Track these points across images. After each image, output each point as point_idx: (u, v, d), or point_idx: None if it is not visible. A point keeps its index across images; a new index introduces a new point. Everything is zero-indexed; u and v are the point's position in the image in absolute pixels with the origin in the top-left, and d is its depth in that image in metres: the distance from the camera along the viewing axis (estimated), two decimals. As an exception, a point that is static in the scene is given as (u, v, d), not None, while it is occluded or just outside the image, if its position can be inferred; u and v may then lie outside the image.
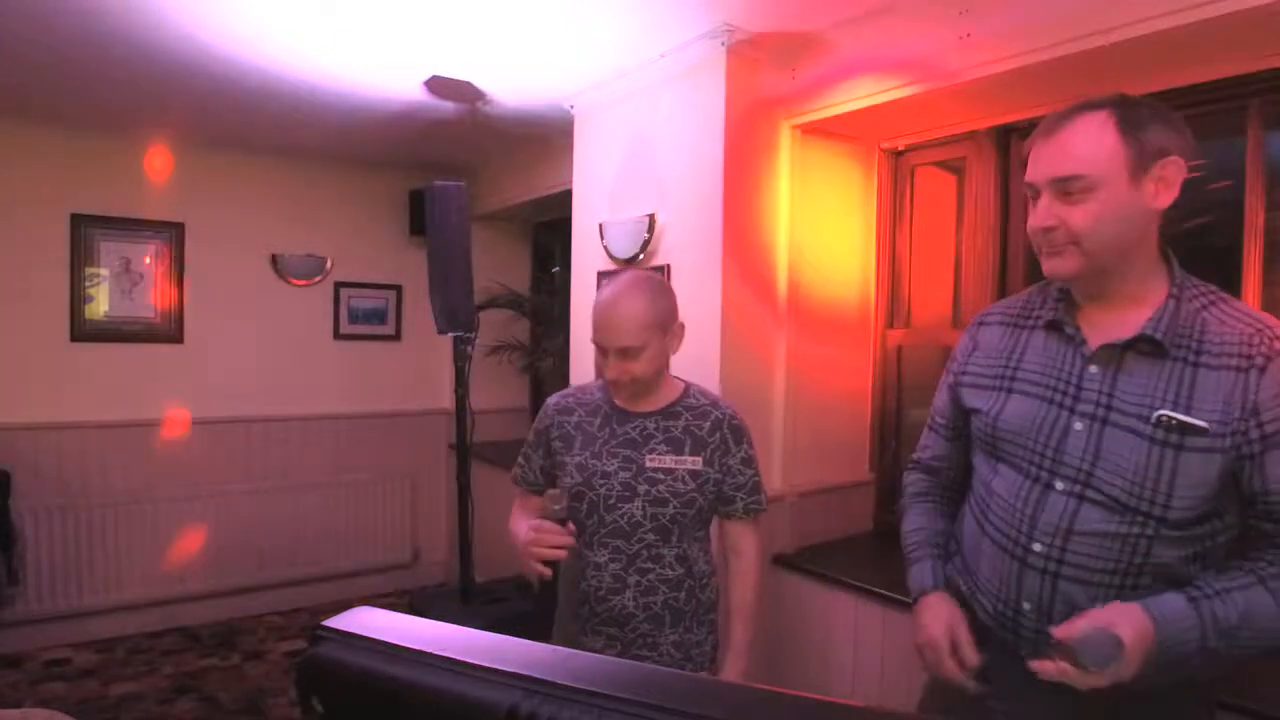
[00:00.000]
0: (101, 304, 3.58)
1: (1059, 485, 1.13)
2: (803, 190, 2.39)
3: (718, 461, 1.59)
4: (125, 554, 3.60)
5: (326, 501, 4.09)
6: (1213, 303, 1.12)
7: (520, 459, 1.77)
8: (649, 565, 1.57)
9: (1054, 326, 1.21)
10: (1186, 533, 1.07)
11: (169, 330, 3.72)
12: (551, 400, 1.73)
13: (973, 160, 2.32)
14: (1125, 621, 1.00)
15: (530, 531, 1.48)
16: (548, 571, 1.47)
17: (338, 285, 4.15)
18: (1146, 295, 1.13)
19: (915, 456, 1.47)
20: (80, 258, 3.51)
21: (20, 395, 3.40)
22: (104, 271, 3.58)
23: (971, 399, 1.29)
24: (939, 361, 2.57)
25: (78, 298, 3.52)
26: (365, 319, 4.24)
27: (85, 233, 3.52)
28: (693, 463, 1.57)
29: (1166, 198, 1.08)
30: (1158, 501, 1.06)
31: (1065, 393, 1.15)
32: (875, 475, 2.62)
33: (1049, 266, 1.14)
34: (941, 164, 2.51)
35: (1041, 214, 1.11)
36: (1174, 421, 1.05)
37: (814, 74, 2.27)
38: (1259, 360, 1.04)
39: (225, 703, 3.04)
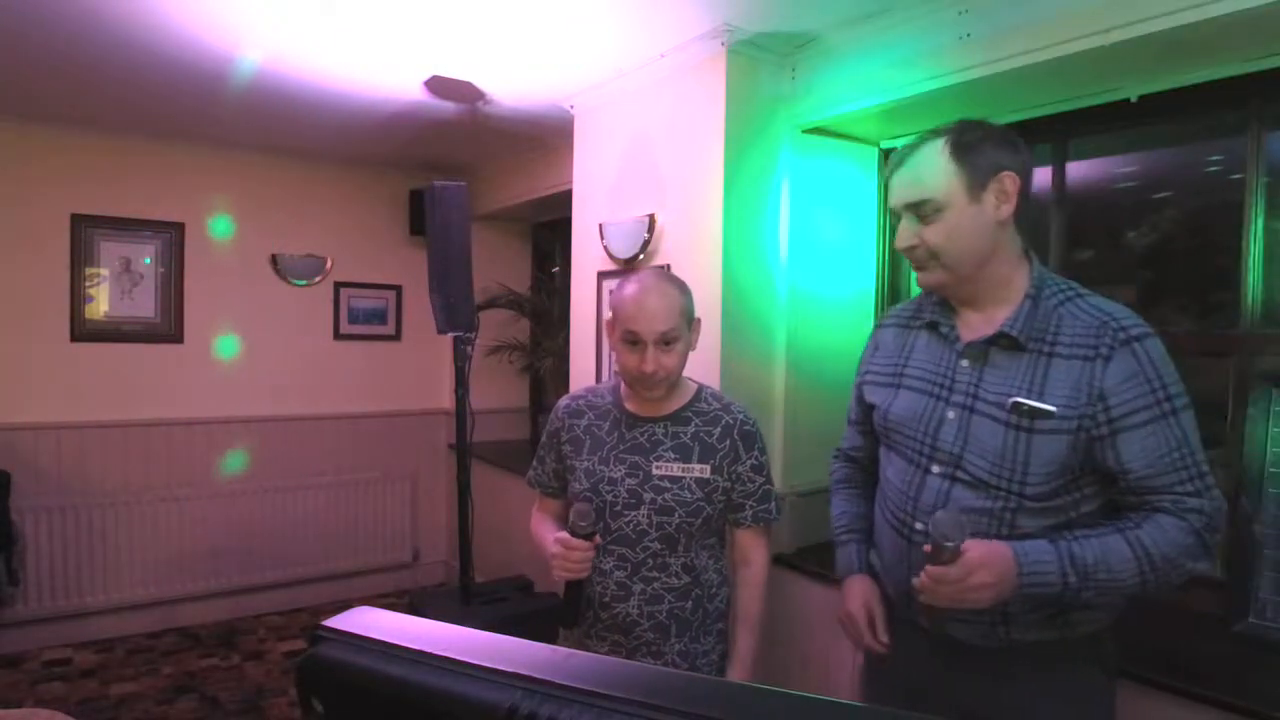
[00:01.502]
0: (101, 304, 3.58)
1: (935, 469, 1.27)
2: (803, 190, 2.39)
3: (727, 469, 1.56)
4: (125, 554, 3.61)
5: (326, 501, 4.09)
6: (1070, 298, 1.23)
7: (535, 461, 1.76)
8: (654, 574, 1.55)
9: (933, 327, 1.35)
10: (1046, 505, 1.19)
11: (169, 330, 3.72)
12: (562, 402, 1.71)
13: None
14: (985, 545, 1.13)
15: (556, 545, 1.46)
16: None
17: (338, 285, 4.15)
18: (1009, 295, 1.26)
19: (838, 447, 1.63)
20: (80, 258, 3.51)
21: (20, 395, 3.40)
22: (104, 271, 3.58)
23: (871, 395, 1.44)
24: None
25: (78, 298, 3.52)
26: (365, 319, 4.24)
27: (85, 233, 3.52)
28: (700, 471, 1.54)
29: (1007, 209, 1.22)
30: (1015, 479, 1.19)
31: (942, 386, 1.30)
32: (875, 475, 2.62)
33: (921, 280, 1.30)
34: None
35: (903, 235, 1.27)
36: (1025, 407, 1.18)
37: (814, 74, 2.27)
38: (1104, 350, 1.15)
39: (225, 703, 3.04)
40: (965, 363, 1.28)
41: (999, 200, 1.21)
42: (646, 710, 0.46)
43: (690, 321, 1.57)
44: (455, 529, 3.26)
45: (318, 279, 4.10)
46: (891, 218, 1.31)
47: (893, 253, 2.59)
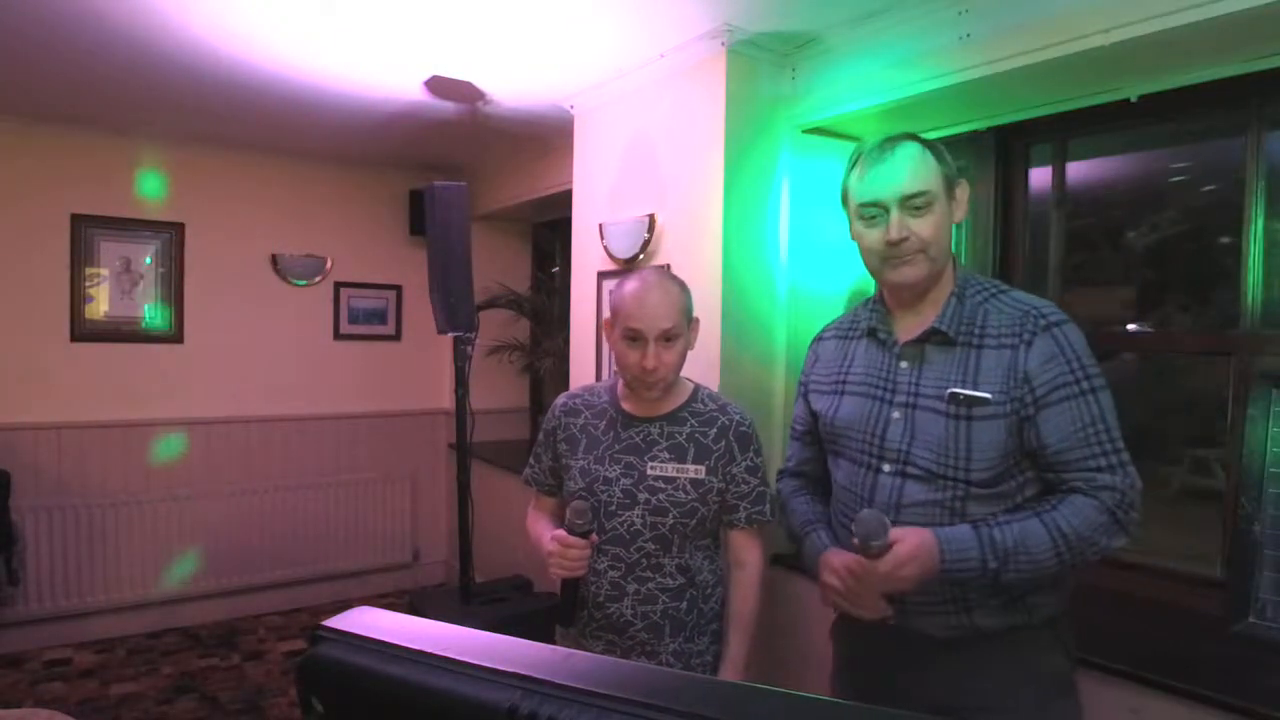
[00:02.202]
0: (101, 304, 3.58)
1: (886, 468, 1.32)
2: (803, 190, 2.39)
3: (721, 470, 1.56)
4: (125, 554, 3.61)
5: (326, 501, 4.09)
6: (993, 295, 1.32)
7: (531, 458, 1.76)
8: (648, 574, 1.55)
9: (872, 333, 1.41)
10: (993, 490, 1.25)
11: (169, 330, 3.72)
12: (559, 400, 1.71)
13: (973, 160, 2.32)
14: (909, 532, 1.19)
15: (553, 543, 1.47)
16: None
17: (338, 285, 4.15)
18: (939, 297, 1.34)
19: (783, 467, 1.62)
20: (80, 258, 3.51)
21: (20, 395, 3.40)
22: (104, 271, 3.58)
23: (815, 403, 1.48)
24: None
25: (78, 298, 3.52)
26: (365, 319, 4.25)
27: (85, 233, 3.52)
28: (695, 471, 1.54)
29: (962, 213, 1.33)
30: (960, 467, 1.24)
31: (884, 388, 1.35)
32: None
33: (901, 275, 1.31)
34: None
35: (895, 228, 1.28)
36: (961, 396, 1.24)
37: (814, 74, 2.27)
38: (1027, 336, 1.24)
39: (225, 703, 3.04)
40: (904, 364, 1.34)
41: (958, 206, 1.32)
42: (646, 710, 0.46)
43: (690, 320, 1.57)
44: (455, 529, 3.26)
45: (318, 279, 4.10)
46: (861, 213, 1.34)
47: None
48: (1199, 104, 1.84)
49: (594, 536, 1.48)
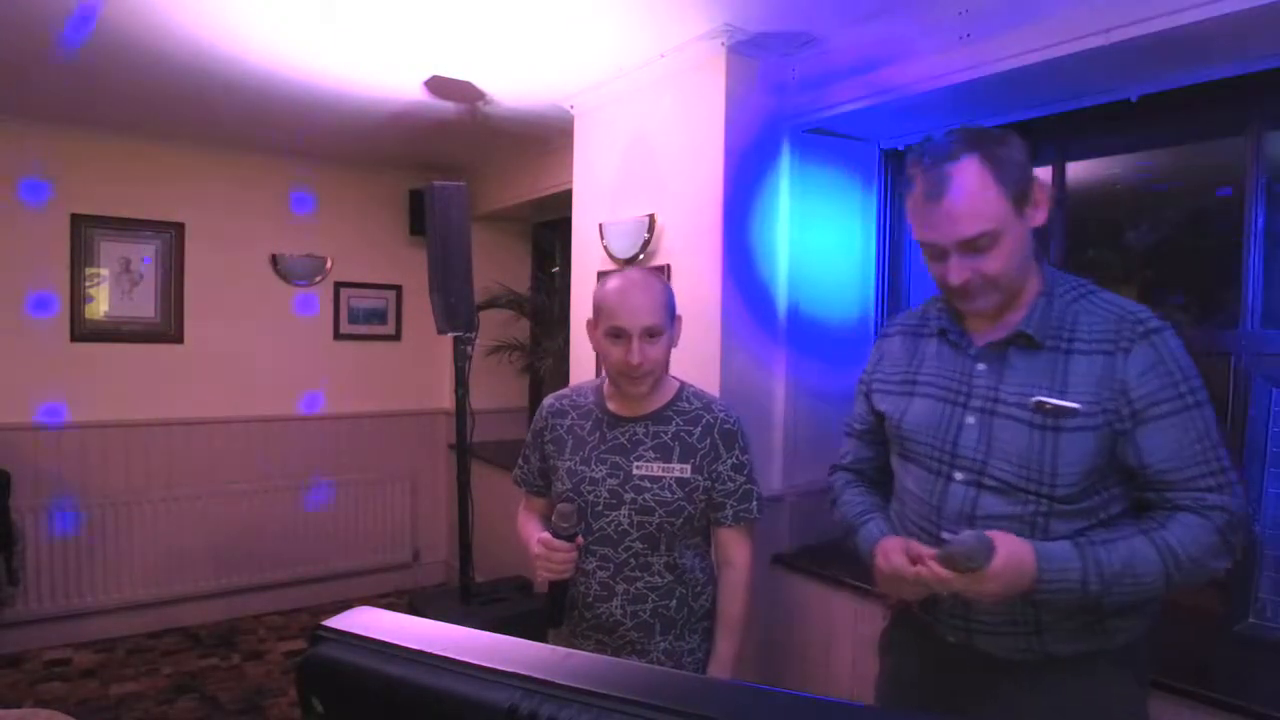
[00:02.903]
0: (101, 304, 3.58)
1: (959, 476, 1.23)
2: (803, 190, 2.39)
3: (707, 468, 1.56)
4: (125, 554, 3.61)
5: (326, 501, 4.09)
6: (1084, 295, 1.22)
7: (520, 460, 1.76)
8: (636, 574, 1.56)
9: (944, 333, 1.32)
10: (1077, 506, 1.16)
11: (169, 330, 3.72)
12: (547, 401, 1.72)
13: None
14: (1005, 540, 1.10)
15: (539, 546, 1.47)
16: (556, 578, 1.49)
17: (338, 285, 4.15)
18: (1022, 294, 1.22)
19: (837, 462, 1.55)
20: (80, 258, 3.51)
21: (20, 395, 3.40)
22: (104, 271, 3.58)
23: (881, 404, 1.40)
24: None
25: (78, 298, 3.52)
26: (365, 319, 4.25)
27: (85, 233, 3.52)
28: (681, 470, 1.54)
29: (1042, 214, 1.20)
30: (1045, 481, 1.15)
31: (959, 391, 1.26)
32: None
33: (971, 308, 1.23)
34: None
35: (957, 271, 1.18)
36: (1049, 405, 1.15)
37: (814, 74, 2.27)
38: (1124, 344, 1.14)
39: (225, 703, 3.04)
40: (981, 366, 1.24)
41: (1036, 209, 1.19)
42: (646, 710, 0.46)
43: (673, 317, 1.57)
44: (455, 529, 3.26)
45: (318, 279, 4.10)
46: (928, 250, 1.22)
47: (893, 252, 2.59)
48: (1199, 104, 1.84)
49: (579, 539, 1.48)
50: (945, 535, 1.20)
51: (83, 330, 3.53)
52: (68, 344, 3.50)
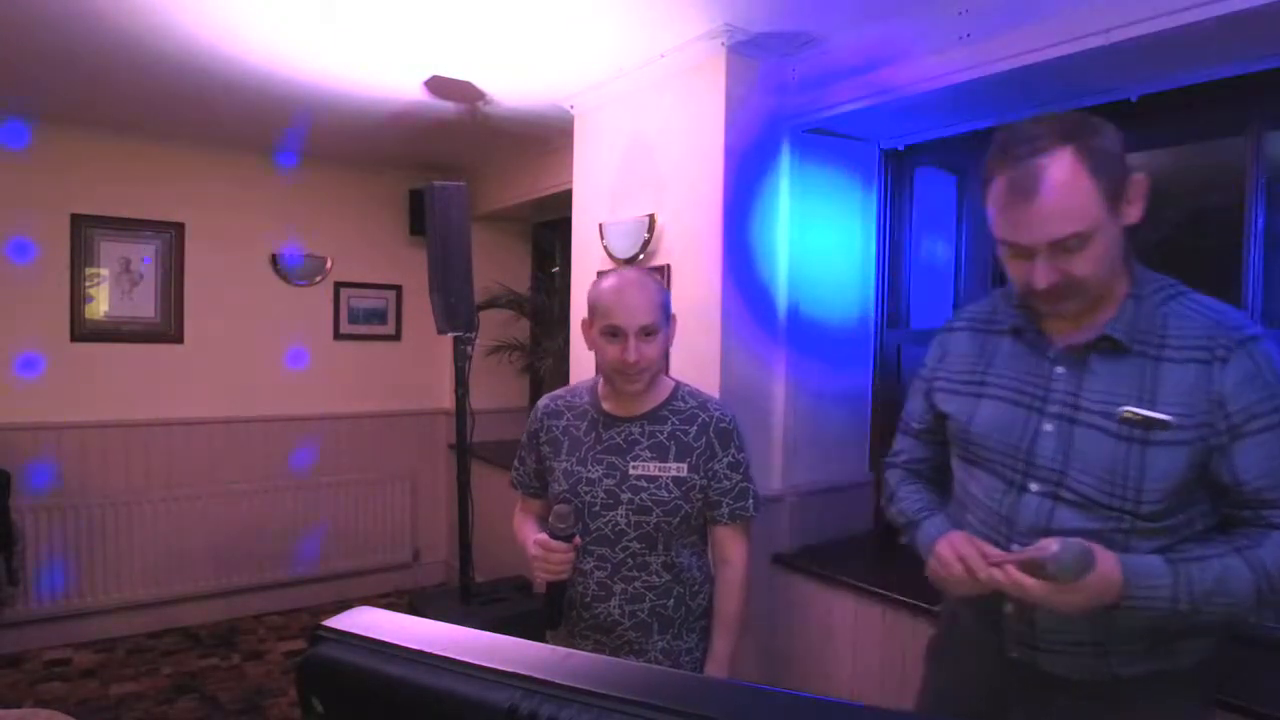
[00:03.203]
0: (101, 304, 3.58)
1: (1034, 487, 1.15)
2: (803, 190, 2.39)
3: (703, 467, 1.56)
4: (125, 554, 3.60)
5: (326, 501, 4.09)
6: (1173, 297, 1.12)
7: (516, 461, 1.76)
8: (634, 573, 1.56)
9: (1018, 331, 1.22)
10: (1161, 524, 1.08)
11: (169, 330, 3.72)
12: (541, 402, 1.72)
13: (973, 160, 2.32)
14: (1096, 551, 1.03)
15: (536, 548, 1.47)
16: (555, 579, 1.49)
17: (338, 285, 4.15)
18: (1107, 295, 1.13)
19: (890, 460, 1.47)
20: (80, 258, 3.51)
21: (20, 395, 3.40)
22: (104, 271, 3.58)
23: (946, 404, 1.30)
24: (939, 361, 2.58)
25: (78, 298, 3.52)
26: (365, 319, 4.25)
27: (85, 233, 3.52)
28: (677, 470, 1.54)
29: (1138, 211, 1.10)
30: (1129, 497, 1.07)
31: (1034, 396, 1.17)
32: (875, 475, 2.62)
33: (1057, 310, 1.14)
34: (941, 164, 2.51)
35: (1044, 274, 1.08)
36: (1138, 417, 1.06)
37: (814, 74, 2.27)
38: (1221, 352, 1.05)
39: (225, 703, 3.04)
40: (1060, 369, 1.15)
41: (1132, 207, 1.09)
42: (646, 710, 0.46)
43: (668, 316, 1.58)
44: (455, 529, 3.26)
45: (318, 279, 4.10)
46: (1005, 249, 1.13)
47: (893, 252, 2.59)
48: (1199, 104, 1.84)
49: (577, 540, 1.48)
50: (1016, 548, 1.12)
51: (83, 330, 3.53)
52: (68, 344, 3.50)
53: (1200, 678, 1.17)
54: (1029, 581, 1.01)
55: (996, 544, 1.16)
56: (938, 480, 1.40)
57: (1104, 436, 1.09)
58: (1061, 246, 1.06)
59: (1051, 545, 0.99)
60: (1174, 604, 1.02)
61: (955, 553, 1.11)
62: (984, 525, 1.20)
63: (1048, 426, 1.14)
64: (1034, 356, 1.20)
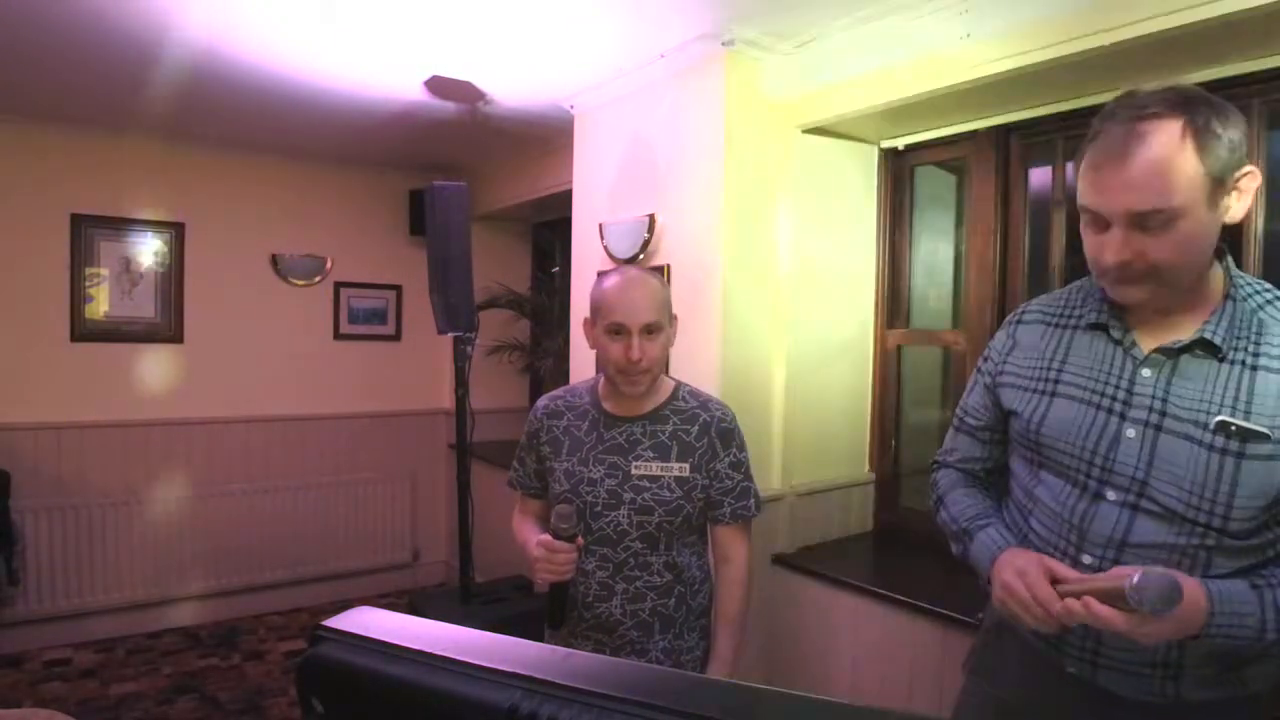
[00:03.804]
0: (101, 304, 3.58)
1: (1111, 495, 1.08)
2: (802, 190, 2.39)
3: (705, 467, 1.57)
4: (125, 554, 3.60)
5: (326, 501, 4.09)
6: (1269, 301, 1.06)
7: (515, 462, 1.76)
8: (636, 573, 1.56)
9: (1098, 328, 1.14)
10: (1246, 542, 1.02)
11: (169, 330, 3.72)
12: (540, 403, 1.71)
13: (973, 160, 2.32)
14: (1181, 579, 0.96)
15: (539, 548, 1.46)
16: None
17: (338, 285, 4.15)
18: (1200, 295, 1.06)
19: (940, 458, 1.39)
20: (80, 258, 3.51)
21: (20, 395, 3.40)
22: (104, 271, 3.58)
23: (1012, 400, 1.21)
24: (939, 361, 2.58)
25: (78, 298, 3.52)
26: (365, 319, 4.25)
27: (85, 233, 3.52)
28: (679, 469, 1.54)
29: (1241, 210, 1.02)
30: (1217, 512, 1.01)
31: (1115, 398, 1.09)
32: (875, 475, 2.62)
33: (1121, 294, 1.07)
34: (941, 164, 2.51)
35: (1118, 247, 1.00)
36: (1234, 428, 0.99)
37: (814, 74, 2.27)
38: None
39: (225, 703, 3.04)
40: (1147, 372, 1.07)
41: (1236, 202, 1.01)
42: (647, 710, 0.46)
43: (670, 316, 1.58)
44: (455, 529, 3.26)
45: (318, 279, 4.10)
46: (1087, 216, 1.05)
47: (892, 253, 2.59)
48: (1199, 104, 1.84)
49: (580, 539, 1.48)
50: (1087, 559, 1.08)
51: (83, 330, 3.53)
52: (68, 344, 3.50)
53: (1264, 705, 1.13)
54: (1110, 614, 0.94)
55: (1064, 553, 1.11)
56: (991, 483, 1.32)
57: (1195, 446, 1.02)
58: (1141, 221, 0.98)
59: (1133, 575, 0.90)
60: (1262, 632, 0.97)
61: (1026, 587, 1.02)
62: (1050, 533, 1.14)
63: (1130, 432, 1.07)
64: (1117, 356, 1.11)
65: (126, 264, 3.63)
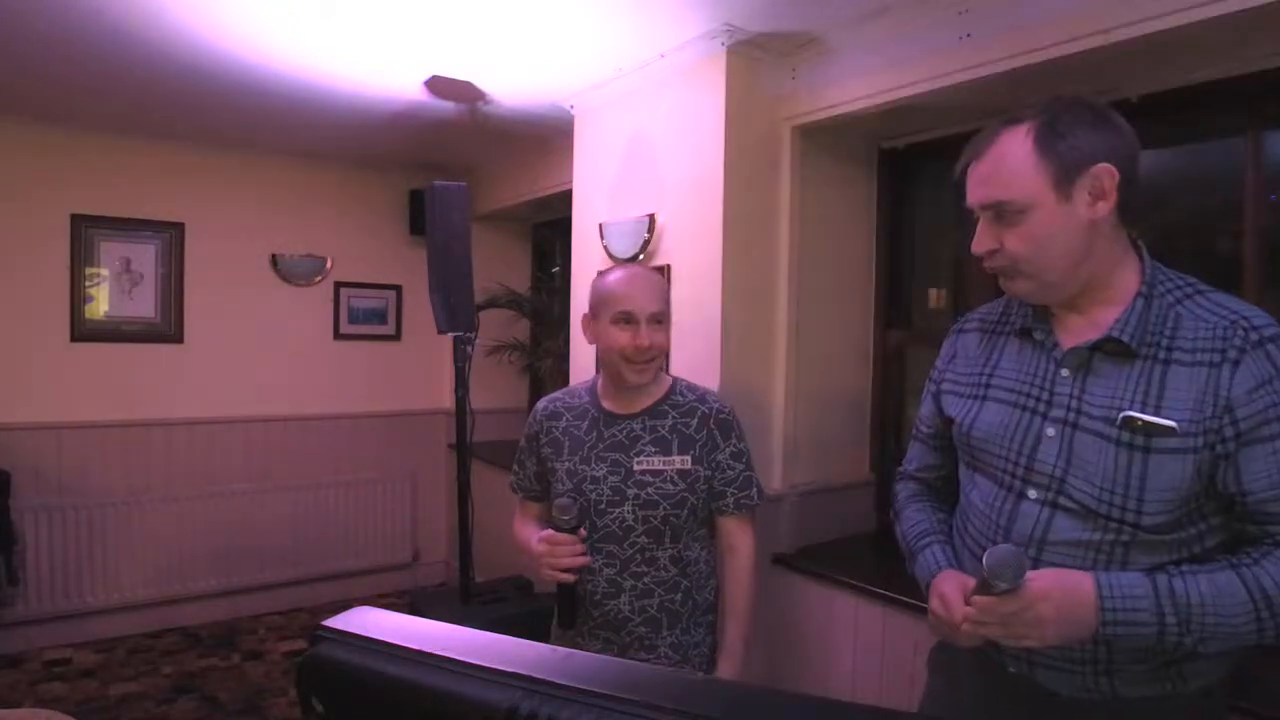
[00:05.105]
0: (101, 304, 3.58)
1: (1032, 494, 1.10)
2: (802, 190, 2.39)
3: (706, 458, 1.58)
4: (125, 554, 3.61)
5: (326, 501, 4.09)
6: (1189, 295, 1.07)
7: (515, 465, 1.77)
8: (643, 569, 1.56)
9: (1026, 332, 1.18)
10: (1164, 538, 1.02)
11: (169, 330, 3.72)
12: (540, 405, 1.73)
13: (973, 160, 2.32)
14: (1056, 574, 1.01)
15: (542, 544, 1.47)
16: (569, 577, 1.49)
17: (338, 285, 4.15)
18: (1116, 294, 1.09)
19: (902, 468, 1.44)
20: (80, 258, 3.51)
21: (20, 395, 3.40)
22: (104, 271, 3.58)
23: (949, 407, 1.26)
24: (939, 361, 2.58)
25: (78, 298, 3.52)
26: (365, 319, 4.25)
27: (85, 233, 3.52)
28: (681, 462, 1.56)
29: (1104, 206, 1.04)
30: (1129, 507, 1.02)
31: (1038, 399, 1.12)
32: (875, 475, 2.62)
33: (1008, 288, 1.14)
34: (941, 164, 2.51)
35: (979, 239, 1.10)
36: (1139, 422, 1.01)
37: (814, 74, 2.27)
38: (1232, 354, 0.99)
39: (225, 703, 3.04)
40: (1065, 372, 1.10)
41: (1093, 198, 1.03)
42: (647, 710, 0.46)
43: (669, 308, 1.63)
44: (455, 529, 3.26)
45: (318, 279, 4.10)
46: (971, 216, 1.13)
47: (892, 253, 2.59)
48: (1199, 104, 1.84)
49: (582, 531, 1.49)
50: (981, 545, 1.12)
51: (83, 330, 3.53)
52: (68, 344, 3.50)
53: (1209, 704, 1.11)
54: (986, 602, 0.98)
55: None
56: (947, 491, 1.35)
57: (1105, 443, 1.04)
58: (997, 213, 1.07)
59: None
60: (1161, 621, 0.96)
61: (945, 610, 1.07)
62: (980, 534, 1.17)
63: (1050, 431, 1.09)
64: (1040, 358, 1.14)
65: (126, 264, 3.63)
